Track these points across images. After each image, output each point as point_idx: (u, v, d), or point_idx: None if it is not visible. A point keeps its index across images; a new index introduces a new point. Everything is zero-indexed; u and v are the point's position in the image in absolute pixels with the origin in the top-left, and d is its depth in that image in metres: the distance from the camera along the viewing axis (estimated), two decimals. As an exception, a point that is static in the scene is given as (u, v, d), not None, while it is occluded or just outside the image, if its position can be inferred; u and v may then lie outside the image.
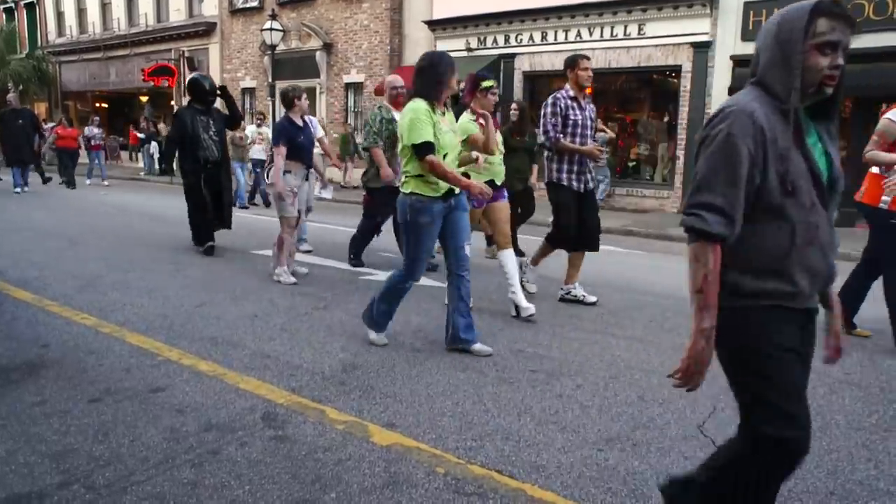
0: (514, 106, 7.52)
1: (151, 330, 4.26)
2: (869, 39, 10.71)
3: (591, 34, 13.77)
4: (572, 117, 5.09)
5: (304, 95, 6.09)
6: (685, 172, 12.81)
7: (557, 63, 14.33)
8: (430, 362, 3.82)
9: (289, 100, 5.98)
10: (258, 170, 12.71)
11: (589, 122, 5.22)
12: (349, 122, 17.74)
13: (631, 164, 14.41)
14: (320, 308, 4.98)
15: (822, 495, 2.45)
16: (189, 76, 6.92)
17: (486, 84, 4.73)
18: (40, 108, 26.88)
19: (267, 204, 12.32)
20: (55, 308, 4.71)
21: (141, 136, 20.35)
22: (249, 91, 20.94)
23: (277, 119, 6.67)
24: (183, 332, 4.24)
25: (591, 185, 5.24)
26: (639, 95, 14.38)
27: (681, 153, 12.82)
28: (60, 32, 27.50)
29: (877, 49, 10.53)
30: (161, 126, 21.70)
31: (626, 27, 13.34)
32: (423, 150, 3.64)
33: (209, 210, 7.05)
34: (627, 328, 4.71)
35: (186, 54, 22.25)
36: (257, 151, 12.79)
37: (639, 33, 13.22)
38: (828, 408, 3.31)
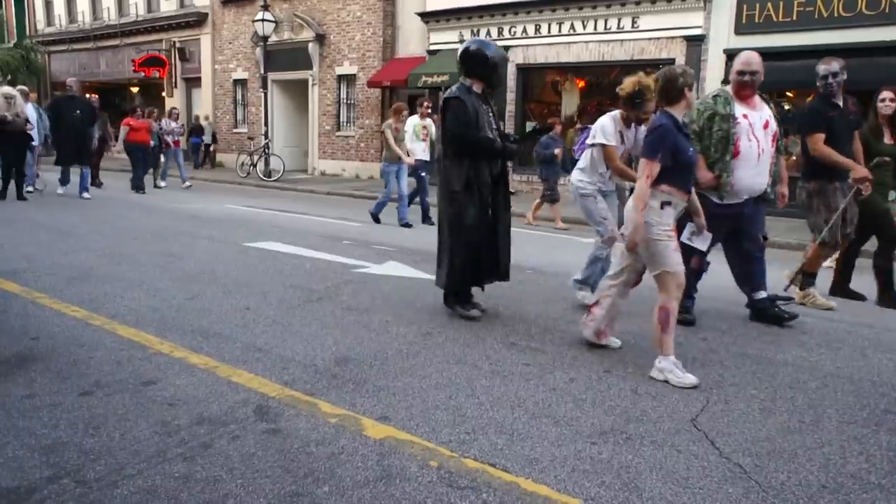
0: (890, 95, 5.44)
1: (142, 323, 4.23)
2: (861, 34, 10.75)
3: (584, 27, 13.76)
4: None
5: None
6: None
7: (551, 56, 14.35)
8: (424, 355, 3.81)
9: (676, 89, 3.67)
10: (422, 174, 9.78)
11: None
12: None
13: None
14: (313, 301, 4.96)
15: (815, 489, 2.46)
16: (465, 42, 4.69)
17: None
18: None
19: (430, 220, 9.57)
20: (45, 300, 4.66)
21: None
22: (241, 83, 20.83)
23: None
24: (174, 325, 4.21)
25: None
26: (632, 89, 14.36)
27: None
28: (49, 22, 27.23)
29: (869, 44, 10.57)
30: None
31: (619, 20, 13.34)
32: None
33: (486, 252, 4.66)
34: (621, 322, 4.70)
35: (177, 45, 22.09)
36: (421, 151, 9.68)
37: (632, 26, 13.22)
38: (819, 401, 3.32)
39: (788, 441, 2.85)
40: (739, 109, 4.51)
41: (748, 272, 4.81)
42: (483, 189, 4.58)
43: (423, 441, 2.73)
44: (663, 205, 3.66)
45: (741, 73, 4.53)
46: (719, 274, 4.73)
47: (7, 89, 10.33)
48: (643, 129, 4.82)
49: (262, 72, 17.92)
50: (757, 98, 4.63)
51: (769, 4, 11.69)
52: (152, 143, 13.61)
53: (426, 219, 9.71)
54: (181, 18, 21.73)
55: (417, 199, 10.04)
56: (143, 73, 22.16)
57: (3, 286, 5.03)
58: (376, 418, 2.94)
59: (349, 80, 18.05)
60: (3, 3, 28.87)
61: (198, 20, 21.37)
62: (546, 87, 15.42)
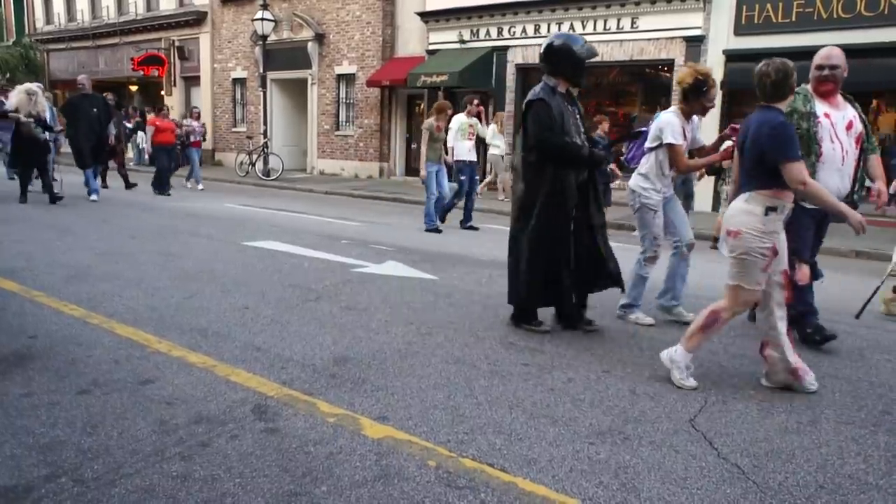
0: None
1: (140, 321, 4.23)
2: (860, 35, 10.76)
3: (584, 27, 13.76)
4: None
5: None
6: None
7: (550, 56, 14.33)
8: (422, 355, 3.81)
9: (789, 85, 3.35)
10: (462, 177, 9.14)
11: None
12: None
13: (623, 158, 14.47)
14: (311, 300, 4.96)
15: (812, 489, 2.46)
16: (549, 37, 4.30)
17: None
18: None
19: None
20: (43, 299, 4.66)
21: (129, 125, 20.19)
22: (240, 82, 20.80)
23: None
24: (172, 324, 4.21)
25: None
26: (631, 89, 14.39)
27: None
28: (48, 20, 27.21)
29: (868, 45, 10.57)
30: (151, 116, 21.54)
31: (619, 20, 13.34)
32: None
33: (573, 280, 4.29)
34: (620, 323, 4.71)
35: (177, 43, 22.07)
36: (467, 151, 9.11)
37: (632, 27, 13.22)
38: (817, 402, 3.32)
39: (786, 441, 2.85)
40: (820, 108, 4.11)
41: None
42: (569, 199, 4.17)
43: (421, 441, 2.73)
44: (768, 210, 3.29)
45: (820, 67, 4.12)
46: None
47: (30, 86, 10.11)
48: (696, 120, 4.63)
49: (262, 71, 17.91)
50: (840, 97, 4.24)
51: (768, 5, 11.70)
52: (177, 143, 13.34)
53: (441, 220, 9.33)
54: (180, 17, 21.71)
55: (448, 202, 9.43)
56: (142, 72, 22.14)
57: (2, 284, 5.02)
58: (375, 418, 2.94)
59: (348, 79, 18.04)
60: (2, 1, 28.84)
61: (197, 19, 21.35)
62: (545, 87, 15.41)
